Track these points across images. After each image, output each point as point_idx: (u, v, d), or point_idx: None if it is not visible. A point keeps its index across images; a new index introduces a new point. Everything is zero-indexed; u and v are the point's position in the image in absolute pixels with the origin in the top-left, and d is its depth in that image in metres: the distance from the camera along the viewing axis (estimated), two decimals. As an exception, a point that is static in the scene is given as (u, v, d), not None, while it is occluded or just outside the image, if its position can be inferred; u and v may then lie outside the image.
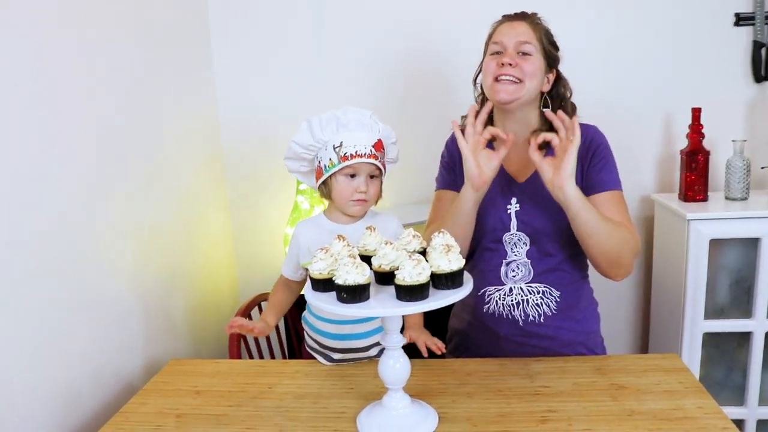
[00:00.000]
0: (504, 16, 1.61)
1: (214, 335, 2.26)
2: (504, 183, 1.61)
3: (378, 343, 1.56)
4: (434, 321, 1.67)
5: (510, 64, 1.51)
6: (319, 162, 1.50)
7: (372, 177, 1.49)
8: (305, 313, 1.63)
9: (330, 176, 1.48)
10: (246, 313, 1.88)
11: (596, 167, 1.56)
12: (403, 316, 1.34)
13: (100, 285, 1.60)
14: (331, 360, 1.58)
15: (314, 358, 1.61)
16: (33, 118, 1.37)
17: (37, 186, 1.37)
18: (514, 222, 1.57)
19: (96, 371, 1.56)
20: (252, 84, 2.41)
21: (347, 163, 1.44)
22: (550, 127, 1.54)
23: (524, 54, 1.53)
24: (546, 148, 1.52)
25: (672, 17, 2.28)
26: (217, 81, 2.40)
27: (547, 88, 1.59)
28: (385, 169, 1.53)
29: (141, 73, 1.84)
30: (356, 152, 1.44)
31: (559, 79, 1.62)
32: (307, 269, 1.50)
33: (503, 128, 1.60)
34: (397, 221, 1.57)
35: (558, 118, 1.46)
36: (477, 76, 1.65)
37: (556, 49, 1.60)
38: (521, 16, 1.59)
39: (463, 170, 1.51)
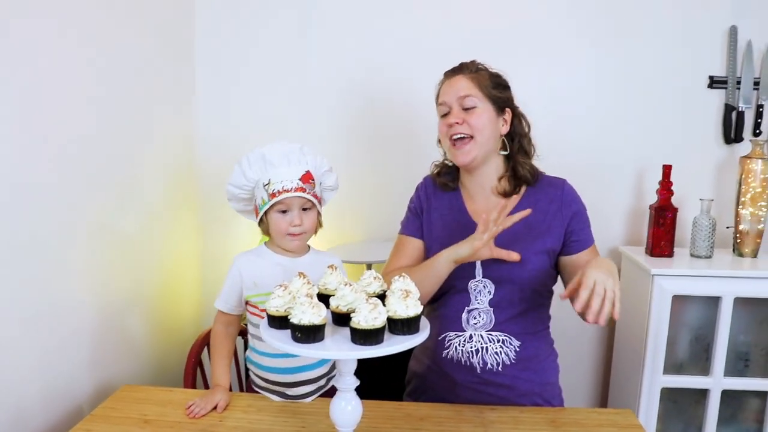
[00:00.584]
0: (445, 73, 1.63)
1: (176, 360, 2.22)
2: (470, 230, 1.58)
3: (325, 375, 1.58)
4: (394, 362, 1.66)
5: (457, 123, 1.53)
6: (255, 201, 1.55)
7: (305, 209, 1.53)
8: (249, 353, 1.62)
9: (265, 214, 1.52)
10: (205, 341, 1.85)
11: (578, 227, 1.60)
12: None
13: (57, 298, 1.56)
14: (285, 397, 1.56)
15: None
16: (8, 124, 1.36)
17: (3, 189, 1.35)
18: (479, 269, 1.57)
19: (44, 391, 1.52)
20: (231, 108, 2.41)
21: (275, 199, 1.49)
22: (513, 173, 1.60)
23: (468, 108, 1.54)
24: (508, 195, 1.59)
25: (649, 76, 2.33)
26: (197, 103, 2.39)
27: (505, 130, 1.60)
28: (319, 199, 1.56)
29: (121, 88, 1.83)
30: (283, 188, 1.48)
31: (515, 117, 1.63)
32: (248, 303, 1.54)
33: (470, 181, 1.64)
34: (339, 261, 1.60)
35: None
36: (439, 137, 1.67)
37: (506, 89, 1.61)
38: (459, 70, 1.59)
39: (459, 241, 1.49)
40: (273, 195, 1.49)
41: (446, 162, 1.70)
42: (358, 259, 2.14)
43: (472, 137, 1.54)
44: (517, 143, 1.62)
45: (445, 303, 1.61)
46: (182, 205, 2.33)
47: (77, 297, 1.64)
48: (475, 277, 1.57)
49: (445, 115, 1.58)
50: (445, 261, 1.49)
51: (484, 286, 1.57)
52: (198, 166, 2.43)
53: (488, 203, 1.61)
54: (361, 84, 2.38)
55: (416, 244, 1.67)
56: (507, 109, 1.60)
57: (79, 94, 1.63)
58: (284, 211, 1.51)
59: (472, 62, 1.61)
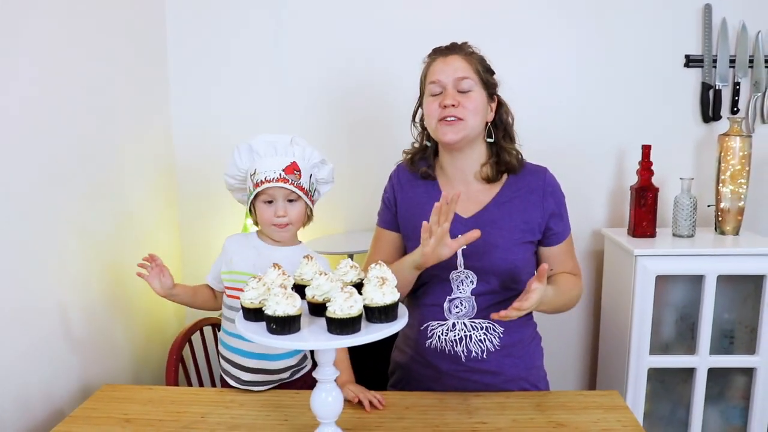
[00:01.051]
0: (435, 50, 1.58)
1: (157, 358, 2.19)
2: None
3: (291, 367, 1.57)
4: (376, 352, 1.65)
5: (452, 105, 1.48)
6: (247, 190, 1.56)
7: (290, 201, 1.53)
8: (220, 335, 1.63)
9: (253, 204, 1.54)
10: (187, 336, 1.84)
11: (556, 218, 1.58)
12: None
13: (37, 296, 1.53)
14: (240, 381, 1.56)
15: (228, 384, 1.60)
16: None
17: None
18: (460, 260, 1.54)
19: (22, 392, 1.48)
20: (208, 104, 2.38)
21: (258, 189, 1.50)
22: (497, 159, 1.57)
23: (464, 91, 1.50)
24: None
25: (626, 57, 2.32)
26: (173, 100, 2.36)
27: (491, 116, 1.58)
28: (305, 191, 1.54)
29: (96, 87, 1.81)
30: (265, 178, 1.49)
31: (501, 106, 1.60)
32: (223, 279, 1.57)
33: (451, 165, 1.60)
34: (326, 261, 1.57)
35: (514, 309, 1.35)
36: (414, 114, 1.63)
37: (492, 74, 1.58)
38: (453, 49, 1.55)
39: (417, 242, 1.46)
40: (257, 185, 1.50)
41: (416, 146, 1.66)
42: (339, 250, 2.12)
43: (464, 120, 1.49)
44: (502, 130, 1.59)
45: (426, 292, 1.59)
46: (162, 202, 2.30)
47: (55, 297, 1.61)
48: (456, 268, 1.55)
49: (436, 95, 1.52)
50: (408, 267, 1.48)
51: (466, 277, 1.55)
52: (177, 163, 2.40)
53: (468, 189, 1.59)
54: (337, 75, 2.36)
55: (392, 238, 1.66)
56: (495, 96, 1.58)
57: (55, 96, 1.61)
58: (269, 202, 1.52)
59: (465, 43, 1.57)
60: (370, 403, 1.44)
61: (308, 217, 1.60)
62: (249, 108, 2.38)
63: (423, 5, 2.31)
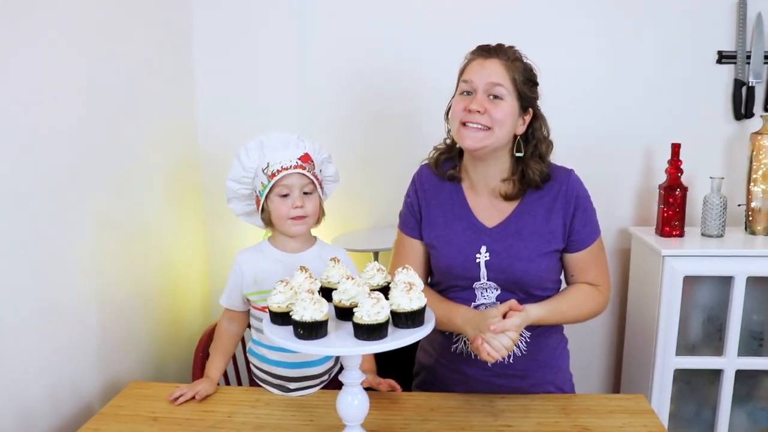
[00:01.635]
0: (479, 48, 1.51)
1: (184, 355, 2.22)
2: (471, 228, 1.54)
3: (332, 369, 1.56)
4: (401, 352, 1.64)
5: (478, 111, 1.43)
6: (256, 191, 1.52)
7: (306, 193, 1.50)
8: (252, 346, 1.61)
9: (266, 201, 1.50)
10: (213, 335, 1.84)
11: (581, 221, 1.53)
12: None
13: (61, 296, 1.54)
14: (287, 390, 1.55)
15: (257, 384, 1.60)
16: (10, 118, 1.35)
17: (5, 184, 1.34)
18: (483, 272, 1.51)
19: (52, 390, 1.51)
20: (231, 98, 2.38)
21: (276, 178, 1.47)
22: (521, 176, 1.51)
23: (495, 97, 1.44)
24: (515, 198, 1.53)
25: (657, 53, 2.28)
26: (199, 96, 2.37)
27: (521, 130, 1.51)
28: (320, 184, 1.53)
29: (121, 80, 1.81)
30: (282, 166, 1.46)
31: (536, 119, 1.53)
32: (250, 300, 1.53)
33: (473, 171, 1.56)
34: (346, 255, 1.56)
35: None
36: (448, 110, 1.56)
37: (534, 86, 1.51)
38: (495, 52, 1.48)
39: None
40: (272, 175, 1.46)
41: (447, 142, 1.61)
42: (364, 247, 2.12)
43: (490, 128, 1.43)
44: (532, 146, 1.52)
45: (451, 299, 1.56)
46: (187, 198, 2.31)
47: (81, 295, 1.63)
48: (480, 280, 1.52)
49: (465, 94, 1.47)
50: (451, 324, 1.49)
51: (489, 286, 1.53)
52: (201, 157, 2.41)
53: (490, 203, 1.55)
54: (360, 68, 2.34)
55: (416, 246, 1.62)
56: (530, 109, 1.50)
57: (79, 90, 1.60)
58: (284, 196, 1.48)
59: (511, 48, 1.50)
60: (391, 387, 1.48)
61: (322, 213, 1.57)
62: (270, 99, 2.37)
63: (451, 3, 2.28)
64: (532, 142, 1.53)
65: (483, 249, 1.51)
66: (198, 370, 1.74)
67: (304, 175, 1.47)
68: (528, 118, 1.51)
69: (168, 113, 2.16)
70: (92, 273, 1.67)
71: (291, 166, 1.46)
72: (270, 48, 2.35)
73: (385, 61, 2.33)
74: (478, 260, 1.51)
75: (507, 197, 1.53)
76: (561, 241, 1.53)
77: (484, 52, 1.49)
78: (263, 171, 1.49)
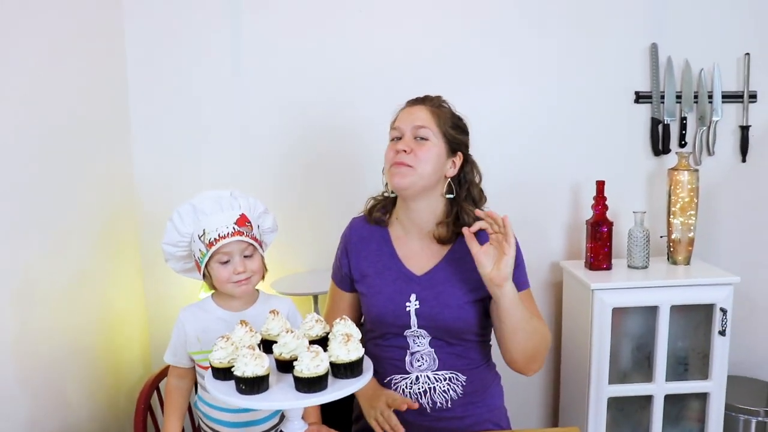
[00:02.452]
0: (407, 102, 1.61)
1: (125, 405, 2.17)
2: (401, 278, 1.58)
3: (277, 425, 1.55)
4: (340, 399, 1.66)
5: (405, 151, 1.49)
6: (194, 256, 1.49)
7: (247, 257, 1.47)
8: (197, 402, 1.58)
9: (207, 267, 1.47)
10: (154, 385, 1.81)
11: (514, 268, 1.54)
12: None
13: None
14: None
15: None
16: None
17: None
18: (414, 320, 1.55)
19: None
20: (169, 145, 2.37)
21: (213, 248, 1.42)
22: (455, 219, 1.55)
23: (421, 139, 1.52)
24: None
25: (579, 93, 2.40)
26: (133, 141, 2.34)
27: (452, 172, 1.56)
28: (259, 242, 1.50)
29: (55, 127, 1.78)
30: (219, 235, 1.42)
31: (467, 163, 1.60)
32: (194, 359, 1.50)
33: (406, 217, 1.60)
34: (292, 304, 1.56)
35: (488, 215, 1.43)
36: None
37: (463, 133, 1.59)
38: (422, 100, 1.57)
39: None
40: (210, 244, 1.43)
41: (386, 194, 1.66)
42: (304, 291, 2.14)
43: (412, 167, 1.49)
44: (465, 190, 1.58)
45: (386, 347, 1.59)
46: (123, 246, 2.28)
47: (4, 363, 1.55)
48: (410, 328, 1.55)
49: (396, 140, 1.55)
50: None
51: (420, 334, 1.56)
52: (138, 204, 2.38)
53: (421, 245, 1.59)
54: (300, 109, 2.38)
55: (345, 297, 1.68)
56: (459, 153, 1.57)
57: (13, 136, 1.57)
58: (225, 262, 1.45)
59: (438, 97, 1.59)
60: None
61: (264, 269, 1.54)
62: (207, 146, 2.38)
63: (381, 41, 2.36)
64: (464, 186, 1.59)
65: (413, 297, 1.55)
66: (140, 424, 1.71)
67: (242, 240, 1.45)
68: (458, 161, 1.57)
69: (101, 162, 2.12)
70: (16, 342, 1.59)
71: (228, 234, 1.42)
72: (206, 91, 2.35)
73: (325, 101, 2.37)
74: (408, 308, 1.55)
75: (440, 240, 1.57)
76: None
77: (412, 102, 1.59)
78: (200, 238, 1.45)
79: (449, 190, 1.57)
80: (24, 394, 1.63)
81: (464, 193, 1.58)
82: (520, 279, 1.57)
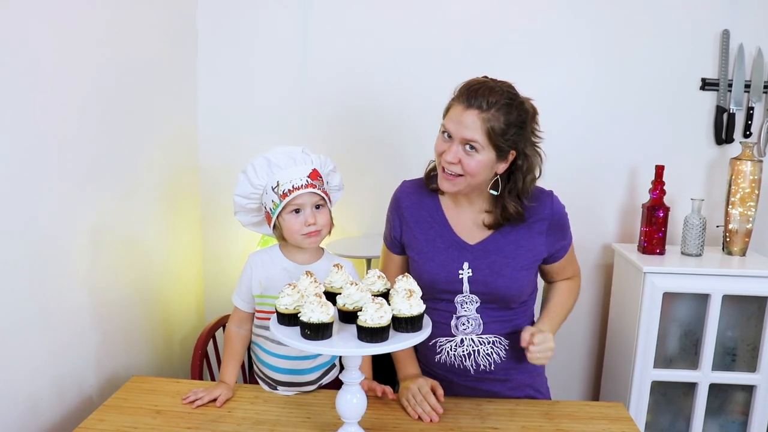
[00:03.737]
0: (465, 88, 1.49)
1: (179, 352, 2.27)
2: (453, 245, 1.60)
3: (318, 379, 1.62)
4: (387, 361, 1.72)
5: (452, 162, 1.48)
6: (265, 207, 1.55)
7: (318, 207, 1.53)
8: (253, 345, 1.66)
9: (278, 218, 1.52)
10: (210, 334, 1.90)
11: (558, 237, 1.63)
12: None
13: (61, 292, 1.58)
14: (275, 389, 1.62)
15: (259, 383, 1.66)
16: (14, 120, 1.38)
17: (8, 187, 1.37)
18: (466, 286, 1.58)
19: (56, 382, 1.57)
20: (231, 104, 2.44)
21: (287, 199, 1.49)
22: (502, 210, 1.56)
23: (471, 147, 1.46)
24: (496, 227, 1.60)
25: (643, 78, 2.38)
26: (198, 99, 2.43)
27: (502, 168, 1.53)
28: (329, 197, 1.56)
29: (124, 85, 1.85)
30: (293, 186, 1.49)
31: (520, 156, 1.52)
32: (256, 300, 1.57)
33: (450, 199, 1.63)
34: (352, 266, 1.61)
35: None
36: None
37: (520, 129, 1.49)
38: (473, 101, 1.45)
39: None
40: (284, 195, 1.49)
41: None
42: (358, 254, 2.19)
43: (462, 176, 1.49)
44: (511, 183, 1.55)
45: (432, 310, 1.60)
46: (184, 200, 2.37)
47: (80, 295, 1.66)
48: (462, 293, 1.59)
49: (447, 135, 1.50)
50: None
51: (471, 300, 1.59)
52: (200, 160, 2.47)
53: (473, 219, 1.61)
54: (360, 78, 2.42)
55: (396, 260, 1.71)
56: (512, 151, 1.51)
57: (79, 93, 1.63)
58: (297, 211, 1.51)
59: (492, 92, 1.45)
60: (384, 392, 1.54)
61: (331, 224, 1.60)
62: (269, 105, 2.44)
63: (443, 17, 2.37)
64: (511, 180, 1.55)
65: (465, 265, 1.58)
66: (197, 368, 1.79)
67: (314, 192, 1.51)
68: (510, 157, 1.52)
69: (168, 117, 2.20)
70: (89, 276, 1.70)
71: (302, 186, 1.49)
72: (271, 59, 2.42)
73: (391, 70, 2.40)
74: (461, 276, 1.58)
75: (488, 227, 1.59)
76: (542, 256, 1.63)
77: (467, 97, 1.47)
78: (273, 190, 1.50)
79: (494, 186, 1.55)
80: (94, 332, 1.75)
81: (509, 187, 1.56)
82: (567, 242, 1.68)
